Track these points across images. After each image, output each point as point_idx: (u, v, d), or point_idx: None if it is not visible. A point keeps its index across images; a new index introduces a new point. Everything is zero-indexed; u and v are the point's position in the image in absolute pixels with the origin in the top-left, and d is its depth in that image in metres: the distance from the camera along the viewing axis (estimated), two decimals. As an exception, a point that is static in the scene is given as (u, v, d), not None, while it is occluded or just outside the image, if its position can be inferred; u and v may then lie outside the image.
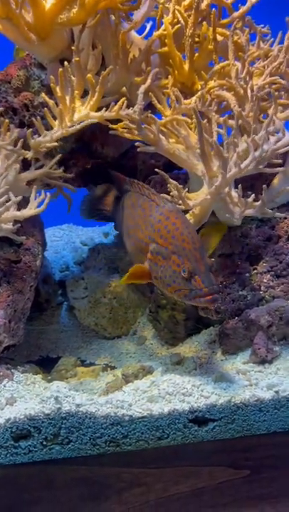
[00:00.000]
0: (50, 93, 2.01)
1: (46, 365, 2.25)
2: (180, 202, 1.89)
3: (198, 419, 1.79)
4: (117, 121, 1.99)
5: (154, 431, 1.78)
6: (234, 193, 1.95)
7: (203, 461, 1.77)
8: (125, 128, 1.96)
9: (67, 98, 1.92)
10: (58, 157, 2.08)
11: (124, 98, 1.96)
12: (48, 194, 2.03)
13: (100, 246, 2.71)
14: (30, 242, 2.16)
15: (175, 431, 1.79)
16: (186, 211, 1.95)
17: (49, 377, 2.12)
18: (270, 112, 1.90)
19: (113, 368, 2.28)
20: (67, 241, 3.33)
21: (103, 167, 2.40)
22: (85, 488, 1.71)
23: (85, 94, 1.99)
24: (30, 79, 2.21)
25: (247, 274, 2.13)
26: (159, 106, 1.99)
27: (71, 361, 2.30)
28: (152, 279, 1.91)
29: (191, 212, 1.96)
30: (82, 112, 1.92)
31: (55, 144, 2.02)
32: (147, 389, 1.88)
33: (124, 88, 2.15)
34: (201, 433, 1.80)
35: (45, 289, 2.66)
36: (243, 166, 1.80)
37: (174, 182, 1.88)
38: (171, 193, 1.90)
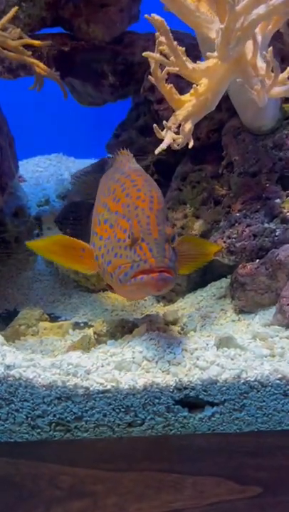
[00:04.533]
0: None
1: (12, 320, 2.00)
2: (177, 68, 1.52)
3: (190, 400, 1.44)
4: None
5: (123, 413, 1.43)
6: (260, 63, 1.56)
7: (189, 467, 1.36)
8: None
9: None
10: (11, 12, 1.55)
11: None
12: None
13: (86, 178, 2.44)
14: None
15: (153, 415, 1.43)
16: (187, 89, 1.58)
17: (1, 333, 1.85)
18: None
19: (92, 327, 2.00)
20: (52, 173, 3.02)
21: (88, 53, 2.11)
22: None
23: None
24: None
25: (277, 201, 1.75)
26: None
27: (35, 314, 2.03)
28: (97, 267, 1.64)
29: (192, 90, 1.57)
30: None
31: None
32: (118, 351, 1.53)
33: None
34: (193, 421, 1.44)
35: (16, 223, 2.44)
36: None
37: (170, 42, 1.50)
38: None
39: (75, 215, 2.33)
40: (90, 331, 1.87)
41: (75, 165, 3.11)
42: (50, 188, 2.77)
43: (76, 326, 2.00)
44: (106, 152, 2.46)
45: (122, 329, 1.76)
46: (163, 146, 1.51)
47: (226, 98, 1.89)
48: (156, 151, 1.54)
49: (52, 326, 1.98)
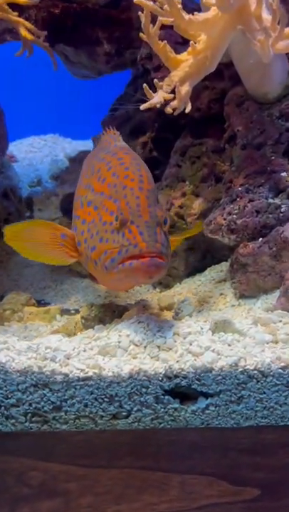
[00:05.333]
0: None
1: (0, 306, 1.97)
2: (171, 18, 1.38)
3: (181, 390, 1.33)
4: None
5: (106, 403, 1.32)
6: (265, 14, 1.42)
7: (178, 464, 1.22)
8: None
9: None
10: None
11: None
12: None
13: (84, 154, 2.30)
14: None
15: (140, 406, 1.32)
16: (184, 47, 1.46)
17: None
18: None
19: (81, 313, 1.97)
20: (47, 153, 2.93)
21: (81, 17, 1.98)
22: None
23: None
24: None
25: (283, 174, 1.62)
26: None
27: (21, 299, 1.95)
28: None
29: (190, 48, 1.43)
30: None
31: None
32: (103, 335, 1.41)
33: None
34: (184, 414, 1.33)
35: (5, 204, 2.35)
36: None
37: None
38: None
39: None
40: (77, 317, 1.75)
41: (71, 146, 3.04)
42: (43, 169, 2.70)
43: (65, 312, 1.90)
44: (102, 130, 2.33)
45: (112, 314, 1.63)
46: (152, 102, 1.37)
47: (228, 65, 1.77)
48: (142, 107, 1.41)
49: (38, 311, 1.88)
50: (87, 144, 3.05)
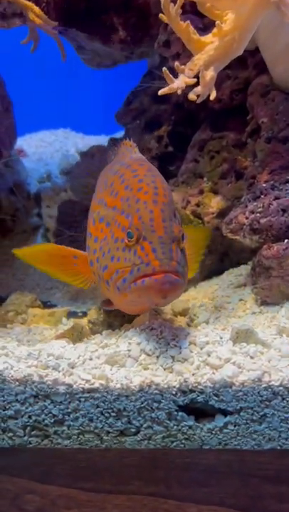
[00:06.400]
0: None
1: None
2: None
3: (197, 406, 1.24)
4: None
5: (113, 418, 1.22)
6: None
7: (192, 492, 1.09)
8: None
9: None
10: None
11: None
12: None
13: (96, 149, 2.30)
14: None
15: (151, 423, 1.23)
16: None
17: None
18: None
19: (91, 317, 1.91)
20: (58, 148, 2.86)
21: (95, 1, 1.86)
22: None
23: None
24: None
25: None
26: None
27: (26, 300, 1.90)
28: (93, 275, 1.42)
29: (216, 28, 1.32)
30: None
31: None
32: (112, 342, 1.32)
33: None
34: (200, 433, 1.23)
35: (12, 200, 2.31)
36: None
37: None
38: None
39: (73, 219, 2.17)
40: (84, 320, 1.68)
41: (83, 141, 2.97)
42: (53, 164, 2.64)
43: (72, 315, 1.85)
44: (115, 122, 2.23)
45: (122, 318, 1.55)
46: (172, 86, 1.25)
47: (253, 52, 1.66)
48: (161, 92, 1.30)
49: (43, 314, 1.83)
50: (100, 140, 3.00)
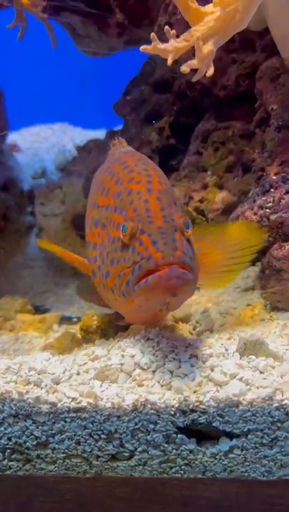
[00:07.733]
0: None
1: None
2: None
3: (199, 428, 1.14)
4: None
5: (103, 441, 1.12)
6: None
7: None
8: None
9: None
10: None
11: None
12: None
13: (93, 143, 2.31)
14: None
15: (146, 446, 1.12)
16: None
17: None
18: None
19: (85, 323, 1.85)
20: (54, 143, 2.80)
21: None
22: None
23: None
24: None
25: None
26: None
27: (15, 305, 1.86)
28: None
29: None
30: None
31: None
32: (103, 353, 1.19)
33: None
34: (202, 458, 1.13)
35: (3, 198, 2.26)
36: None
37: None
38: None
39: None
40: (77, 327, 1.58)
41: (81, 136, 2.91)
42: (49, 159, 2.60)
43: (66, 320, 1.77)
44: (113, 113, 2.13)
45: (116, 326, 1.43)
46: (158, 47, 1.13)
47: (261, 34, 1.54)
48: (142, 48, 1.18)
49: (32, 320, 1.75)
50: (98, 134, 2.91)
